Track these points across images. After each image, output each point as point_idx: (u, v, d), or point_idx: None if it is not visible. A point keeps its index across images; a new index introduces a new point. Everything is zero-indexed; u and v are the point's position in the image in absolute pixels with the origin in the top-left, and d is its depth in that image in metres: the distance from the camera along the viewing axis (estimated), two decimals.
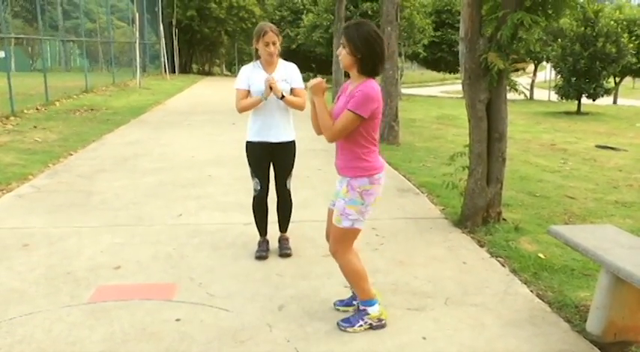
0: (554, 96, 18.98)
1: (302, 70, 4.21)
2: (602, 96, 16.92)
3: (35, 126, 9.86)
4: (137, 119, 11.68)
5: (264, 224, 4.12)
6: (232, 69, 45.48)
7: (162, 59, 26.49)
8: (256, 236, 4.17)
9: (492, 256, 4.18)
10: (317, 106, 2.89)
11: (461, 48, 4.73)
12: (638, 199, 6.10)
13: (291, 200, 4.12)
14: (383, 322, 3.05)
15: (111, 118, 11.43)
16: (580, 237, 3.15)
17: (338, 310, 3.22)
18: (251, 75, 3.85)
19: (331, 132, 2.85)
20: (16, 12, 24.78)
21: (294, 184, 4.16)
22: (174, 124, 11.02)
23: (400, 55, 16.63)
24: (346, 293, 3.32)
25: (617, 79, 23.36)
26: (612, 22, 15.89)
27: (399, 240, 4.51)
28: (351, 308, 3.19)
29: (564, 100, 17.13)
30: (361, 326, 3.00)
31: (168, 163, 7.26)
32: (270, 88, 3.71)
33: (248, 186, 4.22)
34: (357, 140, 2.86)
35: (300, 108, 3.87)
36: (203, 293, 3.43)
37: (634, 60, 19.35)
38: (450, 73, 29.58)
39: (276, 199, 4.08)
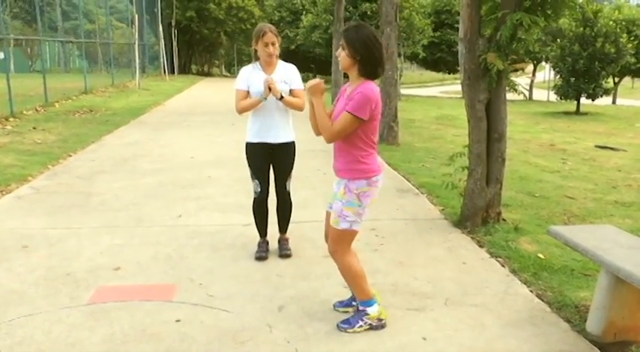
0: (553, 97, 19.00)
1: (301, 70, 4.22)
2: (601, 96, 16.94)
3: (34, 128, 9.86)
4: (136, 120, 11.67)
5: (264, 225, 4.12)
6: (231, 70, 45.53)
7: (162, 60, 26.51)
8: (256, 237, 4.17)
9: (492, 256, 4.18)
10: (315, 107, 2.90)
11: (460, 48, 4.74)
12: (638, 199, 6.10)
13: (290, 201, 4.12)
14: (383, 322, 3.05)
15: (110, 119, 11.43)
16: (580, 238, 3.15)
17: (338, 311, 3.22)
18: (250, 76, 3.85)
19: (330, 133, 2.85)
20: (15, 13, 24.78)
21: (293, 185, 4.16)
22: (173, 125, 11.02)
23: (399, 55, 16.62)
24: (346, 294, 3.32)
25: (616, 79, 23.40)
26: (611, 23, 15.91)
27: (398, 240, 4.51)
28: (350, 309, 3.19)
29: (563, 100, 17.16)
30: (361, 326, 3.00)
31: (167, 164, 7.26)
32: (270, 89, 3.72)
33: (247, 187, 4.22)
34: (356, 143, 2.86)
35: (300, 109, 3.87)
36: (203, 294, 3.43)
37: (633, 60, 19.38)
38: (449, 73, 29.60)
39: (275, 200, 4.09)
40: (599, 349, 2.90)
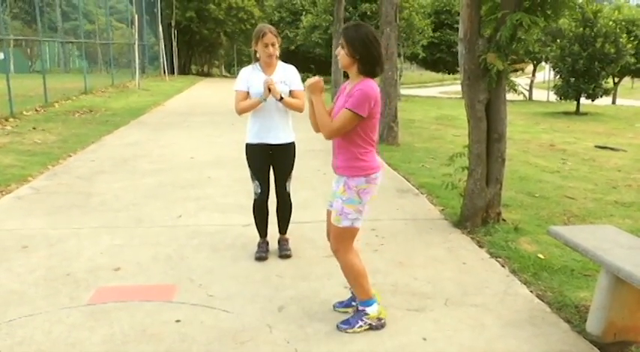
0: (553, 97, 19.01)
1: (301, 70, 4.22)
2: (601, 96, 16.94)
3: (34, 128, 9.86)
4: (136, 120, 11.68)
5: (264, 225, 4.12)
6: (231, 70, 45.53)
7: (162, 60, 26.51)
8: (256, 237, 4.17)
9: (492, 257, 4.18)
10: (315, 104, 2.91)
11: (460, 49, 4.74)
12: (637, 199, 6.10)
13: (290, 202, 4.12)
14: (382, 321, 3.05)
15: (110, 120, 11.43)
16: (580, 238, 3.15)
17: (338, 311, 3.22)
18: (250, 77, 3.85)
19: (329, 130, 2.87)
20: (15, 14, 24.78)
21: (293, 185, 4.16)
22: (173, 125, 11.02)
23: (399, 55, 16.62)
24: (346, 295, 3.32)
25: (616, 79, 23.40)
26: (611, 23, 15.91)
27: (398, 240, 4.51)
28: (350, 309, 3.19)
29: (563, 101, 17.16)
30: (361, 326, 3.00)
31: (167, 164, 7.26)
32: (269, 90, 3.72)
33: (247, 187, 4.22)
34: (355, 140, 2.87)
35: (299, 109, 3.87)
36: (203, 295, 3.43)
37: (633, 60, 19.40)
38: (448, 73, 29.62)
39: (275, 201, 4.09)
40: (599, 349, 2.90)
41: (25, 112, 11.37)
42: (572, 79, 16.31)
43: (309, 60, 27.70)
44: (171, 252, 4.16)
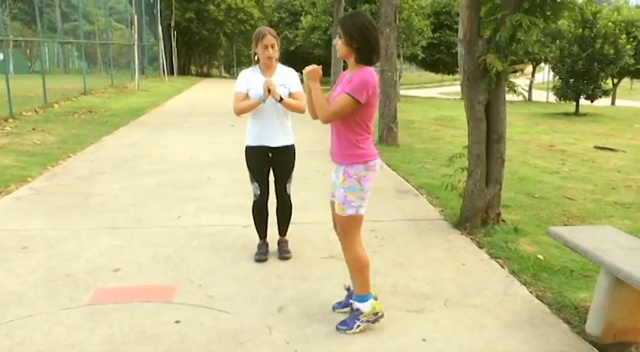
0: (552, 98, 19.04)
1: (300, 71, 4.21)
2: (601, 97, 16.98)
3: (34, 129, 9.85)
4: (136, 121, 11.67)
5: (263, 227, 4.12)
6: (231, 71, 45.55)
7: (161, 61, 26.50)
8: (256, 238, 4.17)
9: (492, 257, 4.18)
10: (312, 90, 2.96)
11: (459, 49, 4.74)
12: (637, 200, 6.11)
13: (290, 203, 4.12)
14: (379, 314, 3.05)
15: (109, 120, 11.43)
16: (579, 238, 3.16)
17: (337, 312, 3.22)
18: (250, 79, 3.85)
19: (326, 113, 2.89)
20: (15, 14, 24.79)
21: (293, 186, 4.16)
22: (173, 126, 11.02)
23: (399, 56, 16.63)
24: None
25: (615, 80, 23.44)
26: (610, 24, 15.95)
27: (398, 241, 4.51)
28: (349, 309, 3.19)
29: (562, 101, 17.20)
30: (359, 326, 3.00)
31: (167, 165, 7.25)
32: (269, 91, 3.72)
33: (247, 188, 4.22)
34: (352, 127, 2.91)
35: (300, 110, 3.87)
36: (203, 295, 3.43)
37: (632, 61, 19.41)
38: (448, 74, 29.67)
39: (275, 202, 4.09)
40: (599, 350, 2.90)
41: (24, 113, 11.37)
42: (572, 80, 16.35)
43: (309, 61, 27.58)
44: (171, 252, 4.15)
